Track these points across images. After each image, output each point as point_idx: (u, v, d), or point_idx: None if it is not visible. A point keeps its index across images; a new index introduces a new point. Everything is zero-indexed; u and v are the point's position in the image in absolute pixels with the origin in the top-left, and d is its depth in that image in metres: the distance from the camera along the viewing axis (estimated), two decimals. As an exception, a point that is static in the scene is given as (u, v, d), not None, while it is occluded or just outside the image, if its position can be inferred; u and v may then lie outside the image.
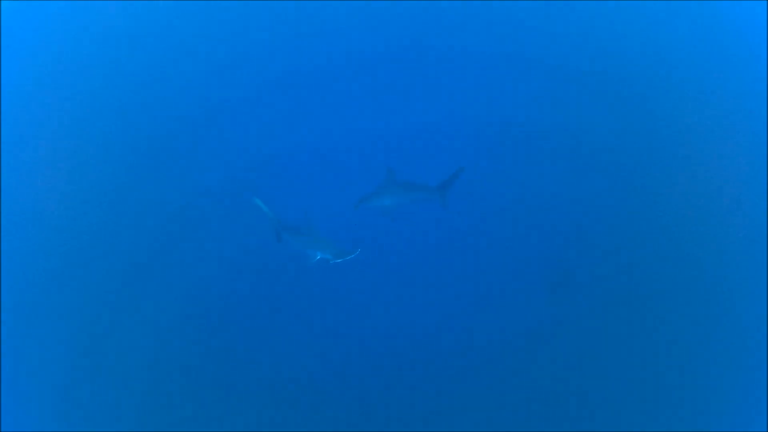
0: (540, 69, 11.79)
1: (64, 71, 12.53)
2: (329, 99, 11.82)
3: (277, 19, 12.75)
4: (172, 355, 9.39)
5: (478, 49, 12.15)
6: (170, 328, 9.58)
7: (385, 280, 9.76)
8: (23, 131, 11.76)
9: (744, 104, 11.52)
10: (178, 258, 10.18)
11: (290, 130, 11.54)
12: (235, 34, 12.70)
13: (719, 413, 8.81)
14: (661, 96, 11.61)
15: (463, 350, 9.22)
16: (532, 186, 10.56)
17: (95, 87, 12.24)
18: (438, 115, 11.48)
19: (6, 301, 9.88)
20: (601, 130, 11.15)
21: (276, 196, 9.88)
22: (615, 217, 10.28)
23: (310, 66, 12.20)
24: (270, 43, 12.54)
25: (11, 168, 11.24)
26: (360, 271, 9.52)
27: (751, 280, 9.63)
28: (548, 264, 9.84)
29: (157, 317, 9.67)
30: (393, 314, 9.51)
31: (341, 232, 9.46)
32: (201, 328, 9.57)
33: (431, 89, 11.88)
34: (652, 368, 9.07)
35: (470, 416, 8.78)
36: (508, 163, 10.78)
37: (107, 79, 12.32)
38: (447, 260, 9.94)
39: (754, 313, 9.38)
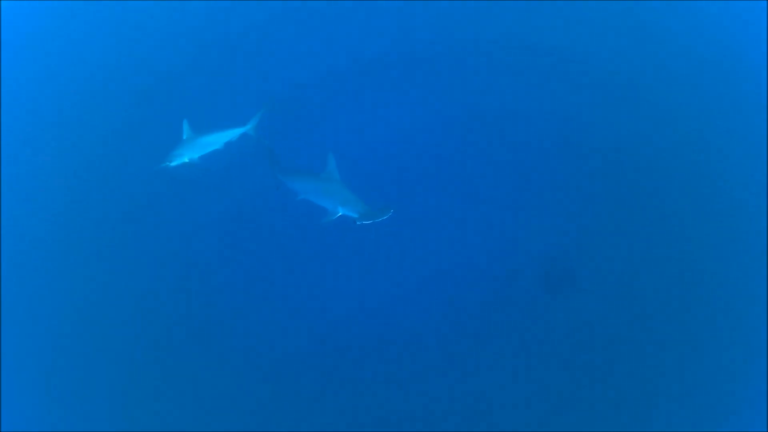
0: (532, 63, 11.77)
1: (64, 71, 12.54)
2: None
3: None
4: (172, 354, 9.39)
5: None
6: (170, 326, 9.58)
7: (380, 276, 9.71)
8: (23, 131, 11.77)
9: (744, 104, 11.51)
10: (176, 254, 10.17)
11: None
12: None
13: (719, 413, 8.81)
14: (661, 95, 11.60)
15: (457, 349, 9.22)
16: (529, 182, 10.55)
17: (95, 86, 12.25)
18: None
19: (6, 301, 9.88)
20: (600, 127, 11.13)
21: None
22: (614, 215, 10.26)
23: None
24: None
25: (11, 168, 11.25)
26: (360, 259, 9.51)
27: (751, 280, 9.63)
28: (546, 262, 9.83)
29: (157, 315, 9.67)
30: (384, 311, 9.48)
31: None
32: (201, 325, 9.57)
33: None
34: (652, 368, 9.07)
35: (464, 416, 8.78)
36: (502, 157, 10.77)
37: (106, 78, 12.32)
38: (441, 257, 9.88)
39: (754, 313, 9.38)
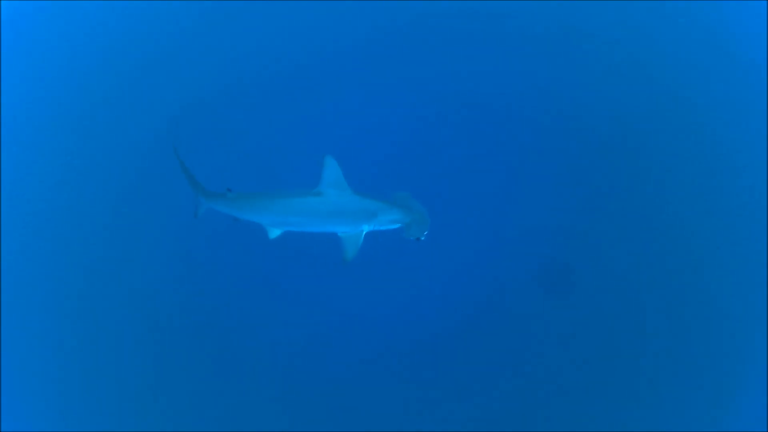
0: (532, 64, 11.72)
1: (65, 71, 12.53)
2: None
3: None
4: (171, 353, 9.40)
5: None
6: (169, 326, 9.58)
7: (376, 276, 9.60)
8: (23, 131, 11.77)
9: (744, 104, 11.51)
10: (176, 254, 10.16)
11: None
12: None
13: (719, 413, 8.81)
14: (660, 95, 11.60)
15: (456, 351, 9.21)
16: (527, 180, 10.51)
17: (96, 86, 12.24)
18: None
19: (6, 301, 9.88)
20: (599, 126, 11.13)
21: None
22: (614, 215, 10.26)
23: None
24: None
25: (11, 168, 11.25)
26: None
27: (751, 280, 9.63)
28: (545, 261, 9.82)
29: (156, 315, 9.67)
30: (380, 313, 9.45)
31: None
32: (200, 324, 9.57)
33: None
34: (652, 368, 9.07)
35: (462, 417, 8.79)
36: (499, 154, 10.70)
37: (107, 79, 12.31)
38: (437, 257, 9.76)
39: (754, 313, 9.38)
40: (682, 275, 9.69)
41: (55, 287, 10.06)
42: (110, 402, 9.19)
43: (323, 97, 10.62)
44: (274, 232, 5.78)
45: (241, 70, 11.03)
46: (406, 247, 9.49)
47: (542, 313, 9.37)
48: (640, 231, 10.06)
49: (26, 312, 9.84)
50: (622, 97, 11.37)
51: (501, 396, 8.95)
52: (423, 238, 5.22)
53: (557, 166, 10.59)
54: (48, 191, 11.05)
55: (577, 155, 10.75)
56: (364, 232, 5.33)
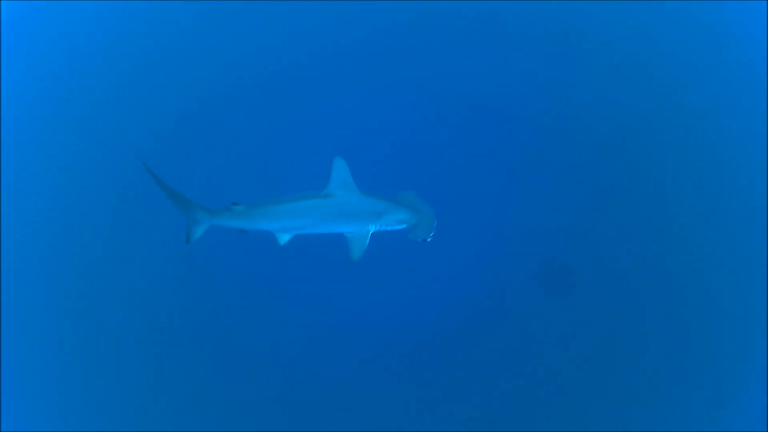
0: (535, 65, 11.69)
1: (65, 71, 12.52)
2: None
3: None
4: (171, 353, 9.39)
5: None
6: (169, 326, 9.57)
7: (375, 276, 9.53)
8: (23, 131, 11.75)
9: (744, 104, 11.51)
10: (176, 254, 10.13)
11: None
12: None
13: (719, 413, 8.81)
14: (659, 95, 11.60)
15: (457, 351, 9.21)
16: (528, 179, 10.49)
17: (96, 86, 12.23)
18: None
19: (6, 301, 9.87)
20: (600, 126, 11.12)
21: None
22: (614, 215, 10.26)
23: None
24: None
25: (11, 168, 11.24)
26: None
27: (751, 280, 9.63)
28: (544, 261, 9.81)
29: (156, 315, 9.66)
30: (380, 312, 9.42)
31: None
32: (201, 324, 9.56)
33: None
34: (652, 368, 9.07)
35: (462, 417, 8.79)
36: (500, 154, 10.65)
37: (108, 79, 12.30)
38: (438, 256, 9.68)
39: (754, 313, 9.39)
40: (682, 275, 9.69)
41: (55, 287, 10.05)
42: (110, 402, 9.18)
43: (328, 98, 10.61)
44: (284, 238, 5.89)
45: (243, 73, 11.02)
46: (408, 246, 9.55)
47: (542, 313, 9.37)
48: (640, 231, 10.04)
49: (26, 312, 9.84)
50: (622, 97, 11.34)
51: (501, 396, 8.96)
52: (429, 239, 5.42)
53: (558, 166, 10.57)
54: (48, 191, 11.03)
55: (578, 155, 10.73)
56: (371, 233, 5.48)
